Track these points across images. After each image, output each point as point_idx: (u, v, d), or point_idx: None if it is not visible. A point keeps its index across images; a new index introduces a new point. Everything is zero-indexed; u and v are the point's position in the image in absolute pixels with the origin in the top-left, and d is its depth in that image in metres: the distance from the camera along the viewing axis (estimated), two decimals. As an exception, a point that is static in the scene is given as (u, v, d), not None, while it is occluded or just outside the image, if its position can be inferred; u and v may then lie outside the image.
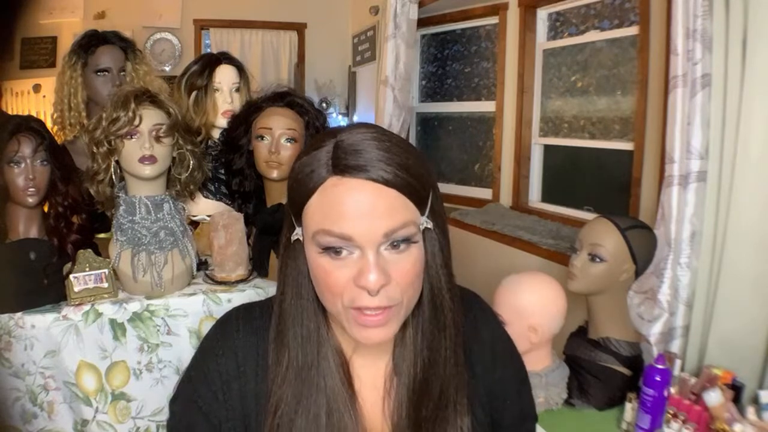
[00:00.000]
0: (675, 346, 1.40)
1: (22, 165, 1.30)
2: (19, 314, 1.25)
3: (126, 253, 1.35)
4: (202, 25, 4.23)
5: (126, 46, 1.92)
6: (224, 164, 1.70)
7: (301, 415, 0.66)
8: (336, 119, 4.26)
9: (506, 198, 2.97)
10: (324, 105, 4.17)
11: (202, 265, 1.54)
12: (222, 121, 1.77)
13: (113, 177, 1.34)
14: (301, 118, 1.58)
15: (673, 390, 1.19)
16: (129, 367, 1.32)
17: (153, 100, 1.33)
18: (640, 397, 1.15)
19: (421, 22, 3.16)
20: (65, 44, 3.57)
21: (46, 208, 1.40)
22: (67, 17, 3.89)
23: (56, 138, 1.53)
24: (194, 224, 1.72)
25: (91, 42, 1.86)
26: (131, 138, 1.30)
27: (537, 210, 2.77)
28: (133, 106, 1.28)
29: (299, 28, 4.40)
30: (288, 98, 1.58)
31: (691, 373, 1.28)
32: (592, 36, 2.48)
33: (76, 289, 1.31)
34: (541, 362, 1.25)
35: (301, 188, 0.63)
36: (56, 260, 1.32)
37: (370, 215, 0.59)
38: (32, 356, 1.25)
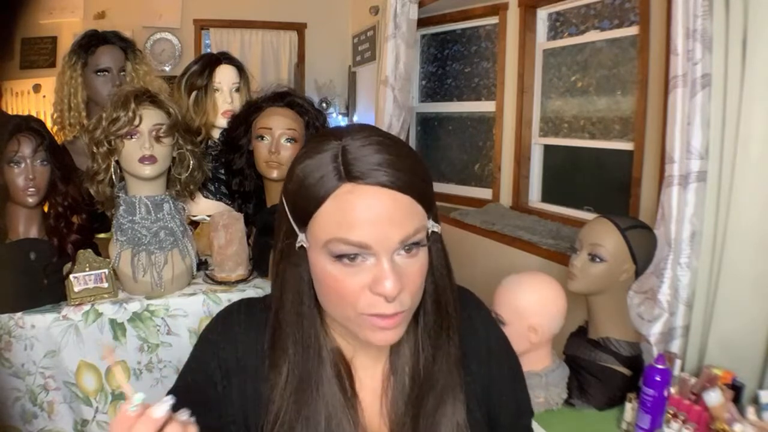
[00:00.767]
0: (675, 346, 1.40)
1: (22, 165, 1.30)
2: (19, 314, 1.25)
3: (126, 253, 1.35)
4: (202, 25, 4.23)
5: (126, 46, 1.92)
6: (224, 164, 1.70)
7: (300, 423, 0.66)
8: (336, 119, 4.25)
9: (506, 198, 2.96)
10: (324, 105, 4.16)
11: (202, 265, 1.55)
12: (222, 121, 1.77)
13: (113, 177, 1.34)
14: (301, 118, 1.58)
15: (673, 390, 1.19)
16: (129, 367, 1.32)
17: (153, 100, 1.33)
18: (640, 397, 1.15)
19: (421, 22, 3.15)
20: (65, 44, 3.57)
21: (46, 208, 1.40)
22: (67, 17, 3.89)
23: (56, 138, 1.53)
24: (194, 224, 1.72)
25: (91, 42, 1.86)
26: (131, 138, 1.30)
27: (537, 210, 2.77)
28: (133, 106, 1.28)
29: (299, 28, 4.39)
30: (288, 98, 1.58)
31: (691, 373, 1.28)
32: (592, 36, 2.48)
33: (76, 289, 1.31)
34: (541, 362, 1.25)
35: (310, 195, 0.61)
36: (56, 260, 1.33)
37: (386, 222, 0.58)
38: (32, 356, 1.26)
